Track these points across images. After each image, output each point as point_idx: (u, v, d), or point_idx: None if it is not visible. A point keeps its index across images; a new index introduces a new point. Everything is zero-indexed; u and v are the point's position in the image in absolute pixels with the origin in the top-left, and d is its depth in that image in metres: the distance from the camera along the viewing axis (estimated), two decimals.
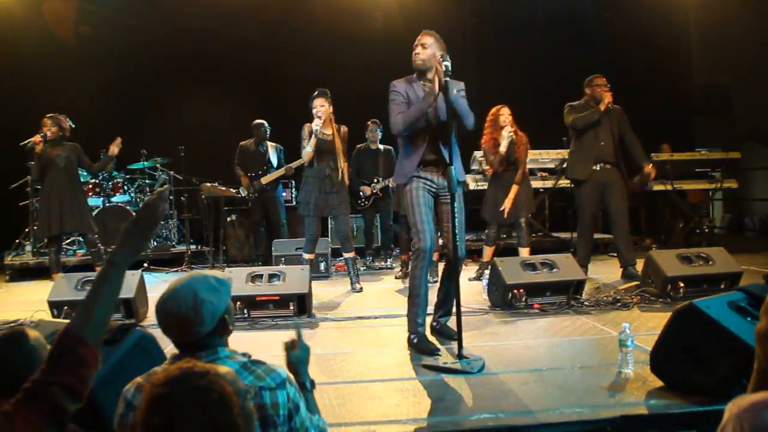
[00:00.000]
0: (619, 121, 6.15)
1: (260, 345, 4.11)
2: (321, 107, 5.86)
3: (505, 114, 6.18)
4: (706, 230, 8.51)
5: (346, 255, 6.23)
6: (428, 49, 3.91)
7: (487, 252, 6.57)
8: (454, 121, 3.84)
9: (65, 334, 1.59)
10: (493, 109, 6.29)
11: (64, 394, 1.52)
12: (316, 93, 5.93)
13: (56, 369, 1.54)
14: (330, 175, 6.00)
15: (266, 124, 7.69)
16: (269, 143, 7.69)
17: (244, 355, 1.82)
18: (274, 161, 7.60)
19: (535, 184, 8.08)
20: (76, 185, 6.73)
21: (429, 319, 4.12)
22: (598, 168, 6.09)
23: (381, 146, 7.62)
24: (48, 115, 6.55)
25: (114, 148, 6.65)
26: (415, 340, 3.90)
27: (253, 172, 7.55)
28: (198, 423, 1.23)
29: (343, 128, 6.11)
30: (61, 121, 6.57)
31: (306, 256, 6.13)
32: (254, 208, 7.68)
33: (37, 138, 6.38)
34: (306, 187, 6.12)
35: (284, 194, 8.11)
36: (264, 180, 7.46)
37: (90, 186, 8.16)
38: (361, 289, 6.08)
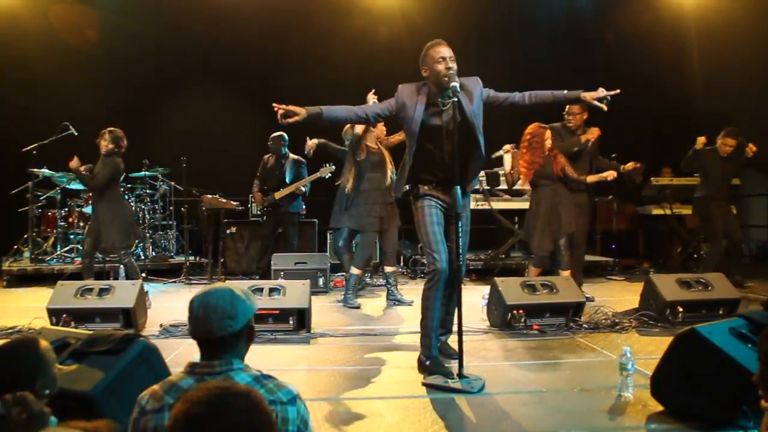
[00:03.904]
0: (595, 147, 6.34)
1: (259, 359, 4.11)
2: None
3: (549, 136, 5.91)
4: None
5: (388, 269, 6.30)
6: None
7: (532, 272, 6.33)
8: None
9: None
10: (532, 129, 5.94)
11: None
12: None
13: None
14: (388, 185, 6.04)
15: (285, 137, 7.47)
16: (291, 156, 7.52)
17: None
18: (288, 176, 7.45)
19: (519, 204, 8.12)
20: (107, 202, 6.24)
21: None
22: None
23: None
24: (109, 129, 6.24)
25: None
26: (428, 362, 3.77)
27: (269, 186, 7.52)
28: None
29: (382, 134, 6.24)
30: (119, 136, 6.26)
31: (355, 271, 6.15)
32: (267, 222, 7.63)
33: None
34: (366, 201, 6.07)
35: (303, 207, 7.91)
36: (277, 195, 7.40)
37: (89, 195, 8.12)
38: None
